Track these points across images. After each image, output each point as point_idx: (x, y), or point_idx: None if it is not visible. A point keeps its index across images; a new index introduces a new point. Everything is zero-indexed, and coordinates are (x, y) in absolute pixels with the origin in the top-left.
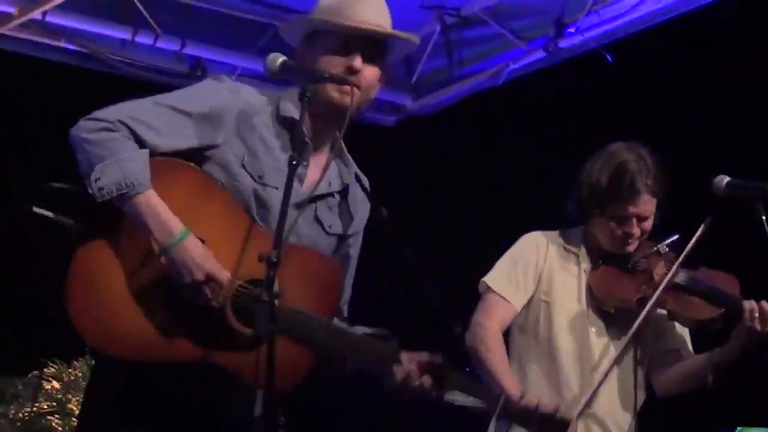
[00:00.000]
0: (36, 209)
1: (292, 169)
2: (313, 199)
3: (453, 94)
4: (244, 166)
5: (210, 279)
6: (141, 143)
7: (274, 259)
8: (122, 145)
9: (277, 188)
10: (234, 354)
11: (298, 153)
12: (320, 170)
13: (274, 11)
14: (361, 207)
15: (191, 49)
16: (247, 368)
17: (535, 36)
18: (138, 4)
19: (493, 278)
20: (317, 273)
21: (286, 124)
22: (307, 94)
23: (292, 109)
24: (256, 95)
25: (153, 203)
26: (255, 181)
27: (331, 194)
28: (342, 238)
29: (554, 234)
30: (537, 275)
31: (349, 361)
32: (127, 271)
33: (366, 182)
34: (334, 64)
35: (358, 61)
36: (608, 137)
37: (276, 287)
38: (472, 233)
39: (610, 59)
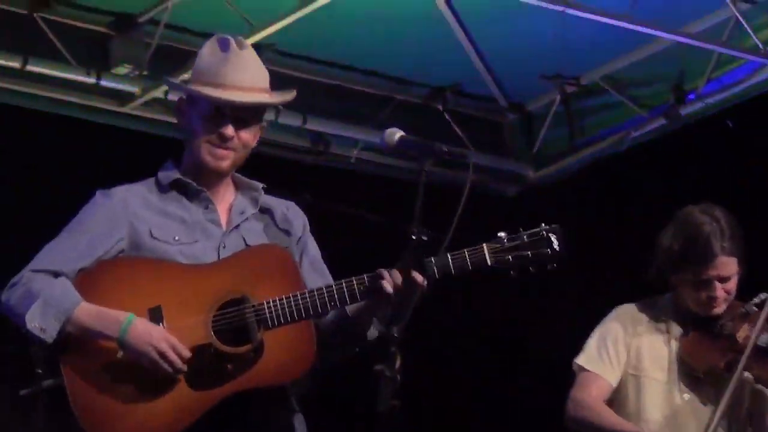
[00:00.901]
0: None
1: (412, 245)
2: (235, 230)
3: (574, 163)
4: (156, 238)
5: (172, 346)
6: (59, 275)
7: (395, 335)
8: (39, 286)
9: (196, 241)
10: (251, 370)
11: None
12: (228, 208)
13: (393, 84)
14: (294, 218)
15: (313, 124)
16: (269, 373)
17: (655, 103)
18: None
19: (585, 358)
20: (271, 261)
21: (174, 186)
22: (425, 169)
23: (169, 174)
24: (129, 186)
25: (89, 310)
26: (173, 245)
27: (246, 219)
28: None
29: (645, 303)
30: (627, 348)
31: (352, 313)
32: (113, 376)
33: (286, 203)
34: (207, 130)
35: (229, 130)
36: (732, 203)
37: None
38: (599, 304)
39: (731, 125)
